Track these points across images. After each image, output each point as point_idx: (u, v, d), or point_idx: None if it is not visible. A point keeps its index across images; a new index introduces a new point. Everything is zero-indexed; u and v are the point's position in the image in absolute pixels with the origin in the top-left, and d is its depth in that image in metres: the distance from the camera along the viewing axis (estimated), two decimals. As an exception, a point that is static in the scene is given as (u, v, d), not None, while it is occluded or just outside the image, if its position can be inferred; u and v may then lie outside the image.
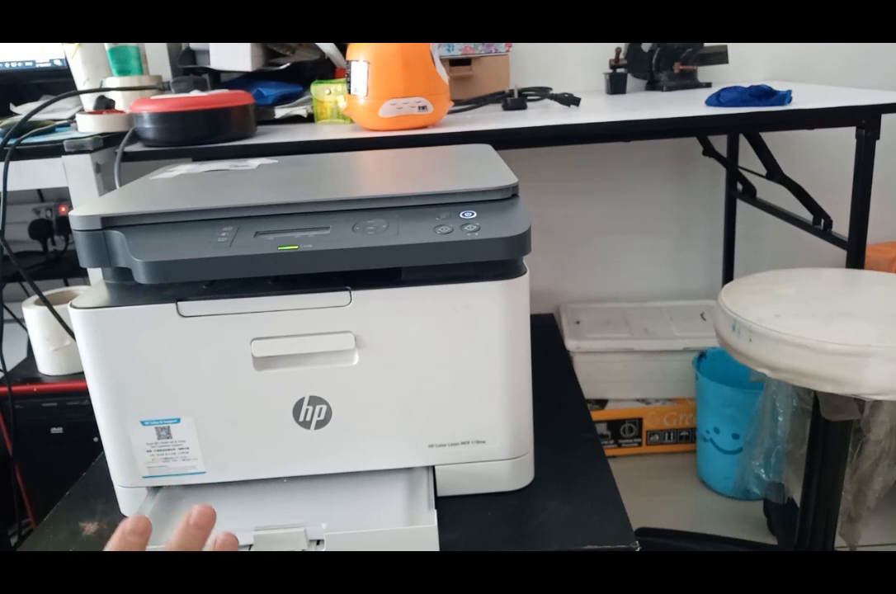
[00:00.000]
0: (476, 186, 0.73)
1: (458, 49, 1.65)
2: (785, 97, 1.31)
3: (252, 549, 0.68)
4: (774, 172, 1.55)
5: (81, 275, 1.67)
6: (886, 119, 1.30)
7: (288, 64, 1.51)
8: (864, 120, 1.31)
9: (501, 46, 1.68)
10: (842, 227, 1.46)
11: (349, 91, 1.32)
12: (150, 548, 0.39)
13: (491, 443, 0.77)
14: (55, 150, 1.16)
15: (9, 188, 1.15)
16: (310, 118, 1.51)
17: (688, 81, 1.75)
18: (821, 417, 1.11)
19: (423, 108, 1.29)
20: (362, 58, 1.27)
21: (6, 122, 1.35)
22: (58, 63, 1.56)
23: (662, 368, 1.86)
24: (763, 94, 1.31)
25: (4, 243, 1.15)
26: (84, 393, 0.82)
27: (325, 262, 0.67)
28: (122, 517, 0.79)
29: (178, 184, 0.87)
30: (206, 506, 0.49)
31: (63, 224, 1.80)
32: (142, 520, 0.47)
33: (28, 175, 1.17)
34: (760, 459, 1.49)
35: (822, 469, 1.20)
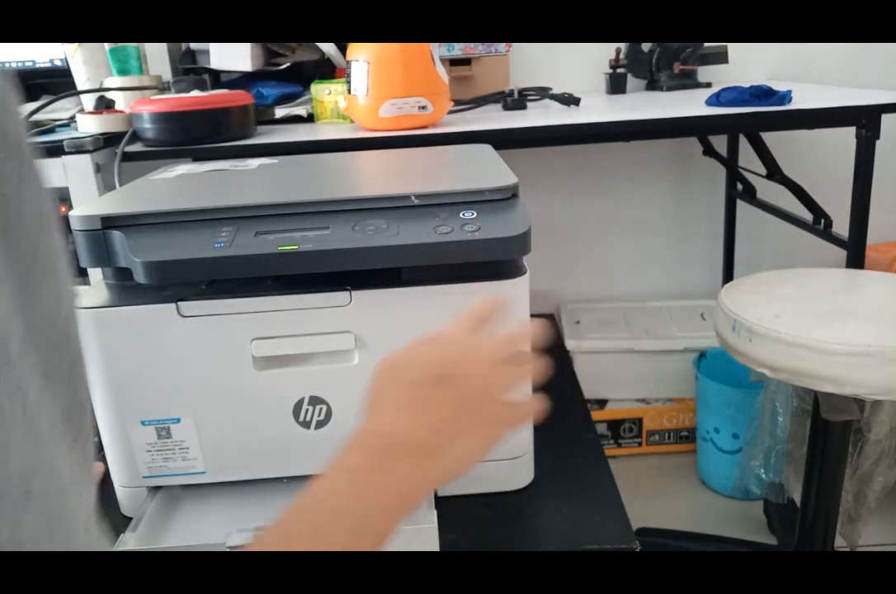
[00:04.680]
0: (476, 186, 0.73)
1: (458, 49, 1.65)
2: (785, 97, 1.31)
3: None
4: (774, 172, 1.55)
5: (81, 275, 1.67)
6: (886, 119, 1.30)
7: (288, 64, 1.51)
8: (864, 120, 1.31)
9: (501, 46, 1.68)
10: (842, 227, 1.46)
11: (349, 91, 1.32)
12: (148, 548, 0.40)
13: (491, 443, 0.77)
14: (55, 150, 1.16)
15: (9, 188, 1.15)
16: (310, 118, 1.51)
17: (688, 81, 1.75)
18: (821, 417, 1.11)
19: (423, 108, 1.29)
20: (362, 58, 1.27)
21: (6, 122, 1.35)
22: (58, 63, 1.56)
23: (662, 368, 1.86)
24: (763, 94, 1.31)
25: (4, 243, 1.15)
26: (84, 393, 0.82)
27: (325, 262, 0.67)
28: (123, 517, 0.79)
29: (178, 184, 0.87)
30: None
31: (63, 224, 1.80)
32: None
33: (28, 175, 1.17)
34: (760, 459, 1.49)
35: (822, 469, 1.20)
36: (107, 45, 1.44)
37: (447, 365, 0.47)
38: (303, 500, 0.41)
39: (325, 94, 1.46)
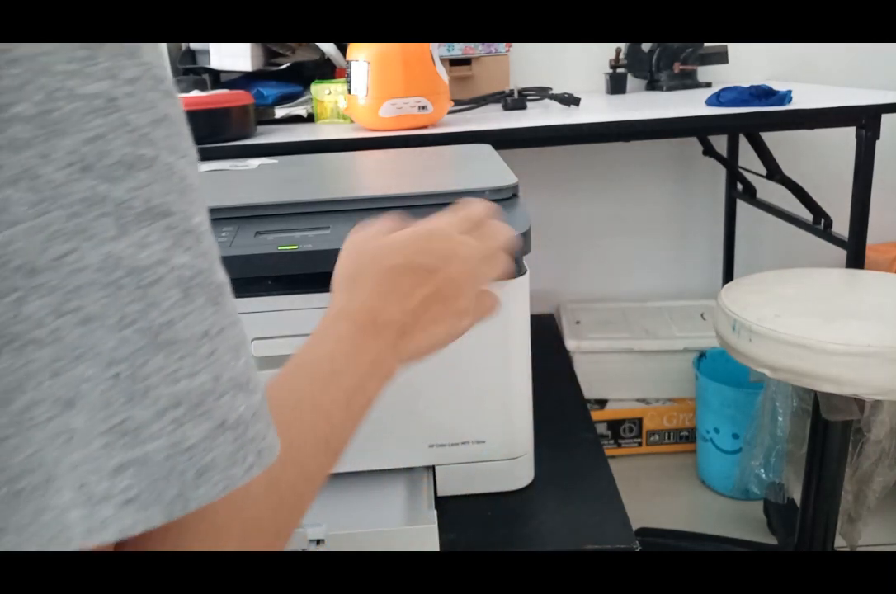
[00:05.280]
0: (476, 186, 0.73)
1: (458, 49, 1.65)
2: (785, 97, 1.31)
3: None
4: (774, 172, 1.55)
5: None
6: (886, 119, 1.30)
7: (288, 64, 1.51)
8: (864, 120, 1.31)
9: (501, 46, 1.68)
10: (842, 227, 1.46)
11: (349, 91, 1.32)
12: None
13: (491, 443, 0.77)
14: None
15: (9, 188, 1.15)
16: (310, 118, 1.51)
17: (688, 81, 1.75)
18: (821, 417, 1.11)
19: (423, 108, 1.29)
20: (362, 58, 1.27)
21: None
22: (58, 63, 1.56)
23: (662, 368, 1.86)
24: (763, 94, 1.31)
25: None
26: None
27: (325, 262, 0.67)
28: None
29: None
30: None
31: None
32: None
33: (28, 175, 1.17)
34: (760, 459, 1.49)
35: (822, 469, 1.20)
36: (107, 45, 1.44)
37: (428, 256, 0.50)
38: (299, 359, 0.45)
39: (325, 94, 1.46)
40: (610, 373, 1.86)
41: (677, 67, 1.73)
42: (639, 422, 1.89)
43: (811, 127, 1.46)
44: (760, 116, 1.29)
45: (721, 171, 1.96)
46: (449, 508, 0.76)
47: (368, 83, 1.27)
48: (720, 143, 1.87)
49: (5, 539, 0.25)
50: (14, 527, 0.25)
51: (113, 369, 0.26)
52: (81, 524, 0.25)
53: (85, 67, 0.26)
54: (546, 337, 1.27)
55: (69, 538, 0.25)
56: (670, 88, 1.74)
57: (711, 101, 1.35)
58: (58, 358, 0.25)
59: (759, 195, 1.84)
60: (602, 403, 1.90)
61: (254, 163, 1.00)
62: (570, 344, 1.84)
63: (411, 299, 0.48)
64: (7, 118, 0.24)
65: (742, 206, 1.94)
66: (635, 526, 0.78)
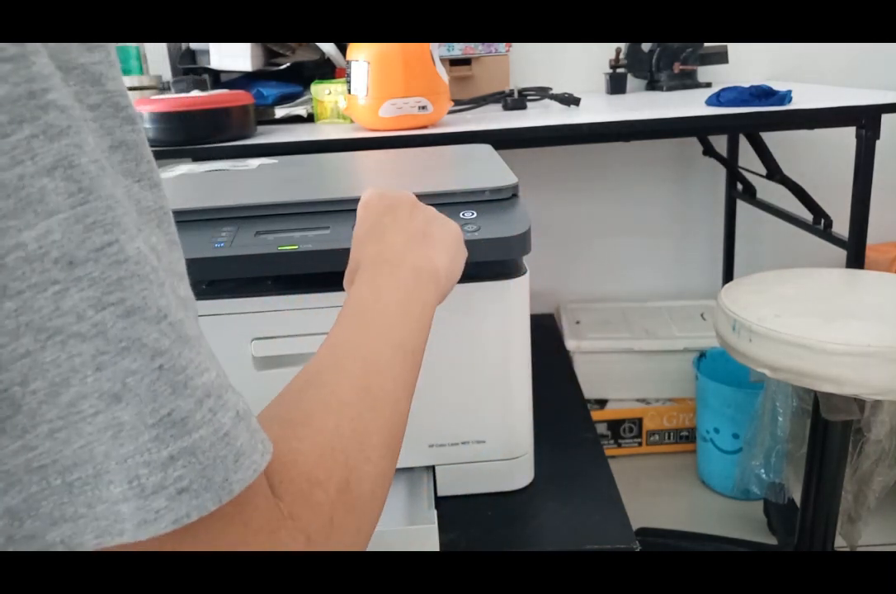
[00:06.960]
0: (476, 186, 0.73)
1: (458, 49, 1.65)
2: (785, 97, 1.31)
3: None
4: (774, 172, 1.55)
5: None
6: (886, 119, 1.30)
7: (288, 64, 1.51)
8: (864, 120, 1.31)
9: (501, 46, 1.68)
10: (842, 227, 1.46)
11: (349, 91, 1.32)
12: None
13: (491, 442, 0.77)
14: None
15: (9, 188, 1.14)
16: (310, 118, 1.51)
17: (688, 81, 1.75)
18: (821, 417, 1.11)
19: (423, 108, 1.29)
20: (362, 58, 1.27)
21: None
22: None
23: (662, 368, 1.86)
24: (763, 94, 1.31)
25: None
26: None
27: (325, 262, 0.67)
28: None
29: (178, 184, 0.87)
30: None
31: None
32: None
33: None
34: (760, 459, 1.49)
35: (822, 469, 1.20)
36: (107, 45, 1.44)
37: (385, 200, 0.57)
38: (344, 310, 0.50)
39: (325, 94, 1.46)
40: (610, 373, 1.86)
41: (677, 67, 1.73)
42: (639, 422, 1.89)
43: (811, 127, 1.46)
44: (760, 116, 1.28)
45: (721, 171, 1.96)
46: (449, 508, 0.76)
47: (368, 83, 1.27)
48: (720, 143, 1.87)
49: (64, 526, 0.25)
50: (70, 517, 0.25)
51: (157, 361, 0.26)
52: (134, 516, 0.25)
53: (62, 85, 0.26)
54: (546, 337, 1.27)
55: (122, 530, 0.25)
56: (670, 88, 1.74)
57: (711, 101, 1.35)
58: (102, 351, 0.25)
59: (759, 195, 1.84)
60: (602, 403, 1.90)
61: (254, 163, 1.00)
62: (570, 344, 1.84)
63: (393, 232, 0.55)
64: (43, 104, 0.24)
65: (742, 206, 1.94)
66: (635, 526, 0.78)
